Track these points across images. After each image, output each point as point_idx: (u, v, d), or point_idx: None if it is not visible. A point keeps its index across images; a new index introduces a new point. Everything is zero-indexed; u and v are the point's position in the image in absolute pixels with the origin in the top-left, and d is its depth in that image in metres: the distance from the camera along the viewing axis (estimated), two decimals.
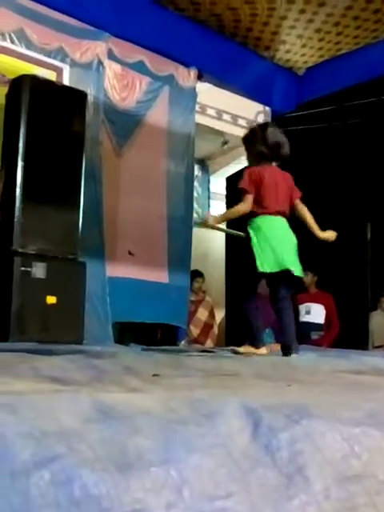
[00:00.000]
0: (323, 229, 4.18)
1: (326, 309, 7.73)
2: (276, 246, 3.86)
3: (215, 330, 7.43)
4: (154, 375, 1.93)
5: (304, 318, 7.72)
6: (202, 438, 0.88)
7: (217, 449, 0.87)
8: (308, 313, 7.71)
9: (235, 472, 0.84)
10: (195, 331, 7.19)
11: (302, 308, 7.78)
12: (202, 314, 7.32)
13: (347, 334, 7.82)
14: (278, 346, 6.00)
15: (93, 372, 1.81)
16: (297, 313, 7.83)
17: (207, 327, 7.36)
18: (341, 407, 1.18)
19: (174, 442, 0.87)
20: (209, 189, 8.57)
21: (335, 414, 1.10)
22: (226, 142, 7.90)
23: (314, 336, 7.56)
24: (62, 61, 5.93)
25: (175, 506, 0.77)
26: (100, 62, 6.14)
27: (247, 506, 0.81)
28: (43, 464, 0.75)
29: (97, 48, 6.12)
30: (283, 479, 0.88)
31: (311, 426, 1.01)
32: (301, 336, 7.56)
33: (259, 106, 8.03)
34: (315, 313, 7.71)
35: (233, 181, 7.58)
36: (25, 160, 4.81)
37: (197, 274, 7.26)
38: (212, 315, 7.49)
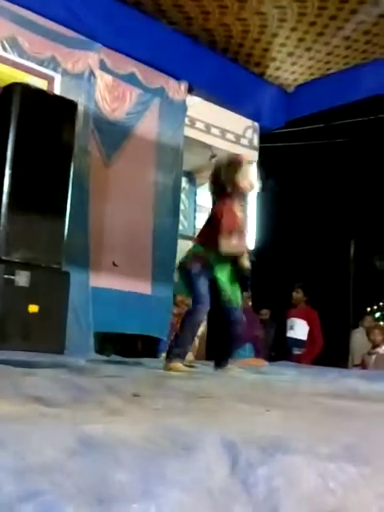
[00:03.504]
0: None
1: (309, 324, 7.75)
2: None
3: (196, 343, 7.43)
4: (134, 395, 1.95)
5: (288, 334, 7.77)
6: (182, 473, 0.91)
7: (196, 484, 0.89)
8: (291, 328, 7.75)
9: (213, 509, 0.86)
10: None
11: (288, 323, 7.82)
12: None
13: (329, 350, 7.87)
14: (256, 361, 6.05)
15: (75, 392, 1.83)
16: (285, 328, 7.86)
17: None
18: (317, 440, 1.20)
19: (155, 476, 0.89)
20: (195, 201, 8.61)
21: (312, 448, 1.13)
22: (213, 156, 7.92)
23: (296, 351, 7.60)
24: (54, 70, 5.95)
25: None
26: (91, 73, 6.17)
27: None
28: (27, 498, 0.77)
29: (89, 58, 6.15)
30: None
31: (288, 461, 1.03)
32: (284, 351, 7.62)
33: (248, 122, 8.09)
34: (298, 328, 7.74)
35: None
36: (13, 168, 4.82)
37: None
38: None
